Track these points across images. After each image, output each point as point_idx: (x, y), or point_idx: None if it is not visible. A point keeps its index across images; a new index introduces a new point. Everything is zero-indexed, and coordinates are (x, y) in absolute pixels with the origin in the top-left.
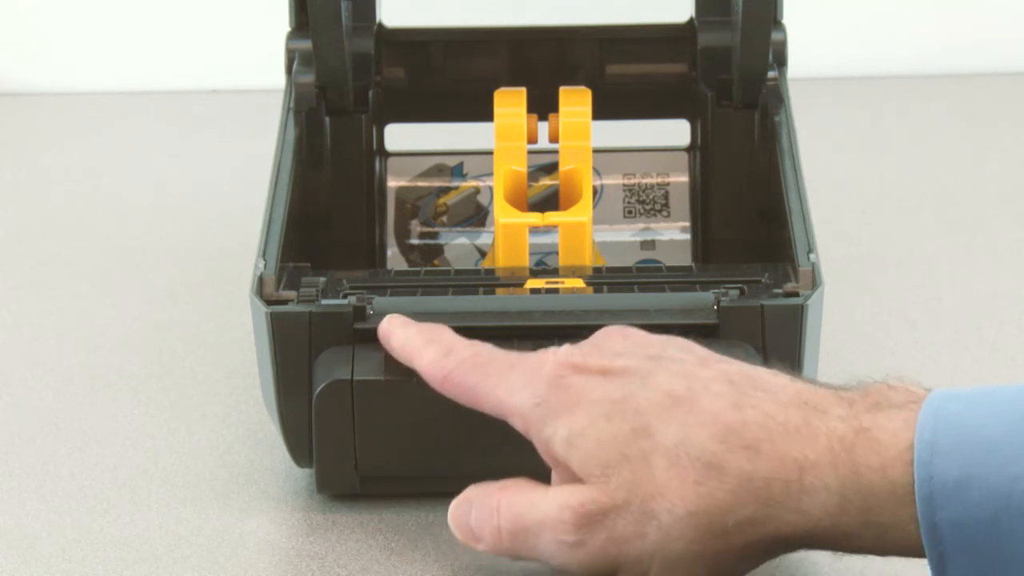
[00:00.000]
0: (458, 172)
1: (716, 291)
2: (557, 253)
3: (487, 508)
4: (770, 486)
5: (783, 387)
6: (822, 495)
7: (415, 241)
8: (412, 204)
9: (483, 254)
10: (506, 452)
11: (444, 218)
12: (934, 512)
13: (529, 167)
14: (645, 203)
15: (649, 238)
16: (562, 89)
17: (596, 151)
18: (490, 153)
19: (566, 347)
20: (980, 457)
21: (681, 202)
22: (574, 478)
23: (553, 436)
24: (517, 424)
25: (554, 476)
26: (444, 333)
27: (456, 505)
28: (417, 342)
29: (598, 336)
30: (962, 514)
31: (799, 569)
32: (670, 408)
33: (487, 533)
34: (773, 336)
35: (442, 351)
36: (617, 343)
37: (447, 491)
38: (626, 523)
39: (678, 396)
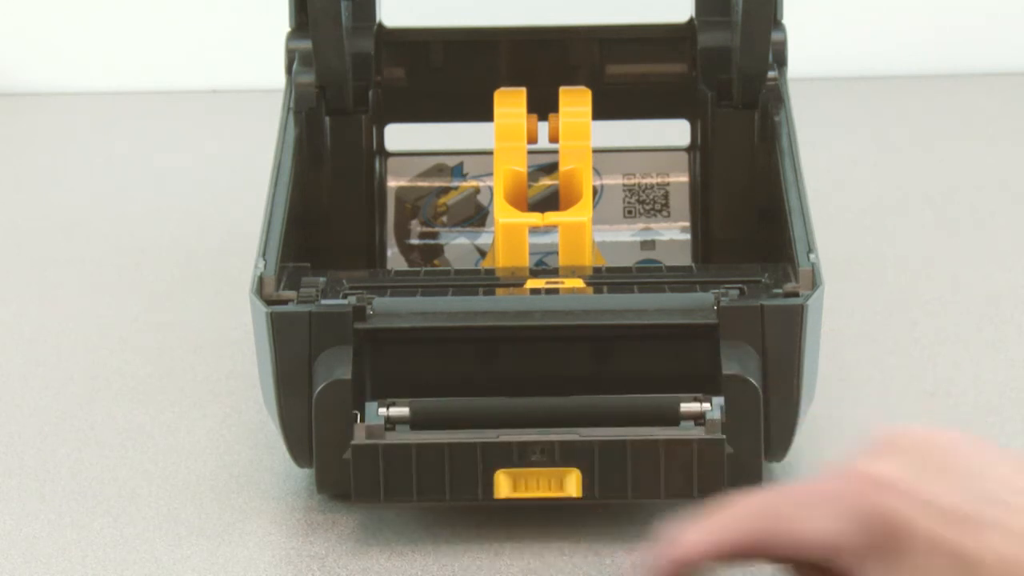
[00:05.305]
0: (458, 172)
1: (716, 291)
2: (557, 253)
3: None
4: None
5: None
6: None
7: (415, 241)
8: (412, 204)
9: (483, 254)
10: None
11: (444, 218)
12: None
13: (529, 167)
14: (645, 203)
15: (649, 238)
16: (562, 89)
17: (596, 151)
18: (490, 153)
19: (873, 458)
20: None
21: (681, 202)
22: None
23: None
24: (830, 556)
25: None
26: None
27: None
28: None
29: (910, 441)
30: None
31: None
32: None
33: None
34: (773, 336)
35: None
36: (936, 456)
37: None
38: None
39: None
